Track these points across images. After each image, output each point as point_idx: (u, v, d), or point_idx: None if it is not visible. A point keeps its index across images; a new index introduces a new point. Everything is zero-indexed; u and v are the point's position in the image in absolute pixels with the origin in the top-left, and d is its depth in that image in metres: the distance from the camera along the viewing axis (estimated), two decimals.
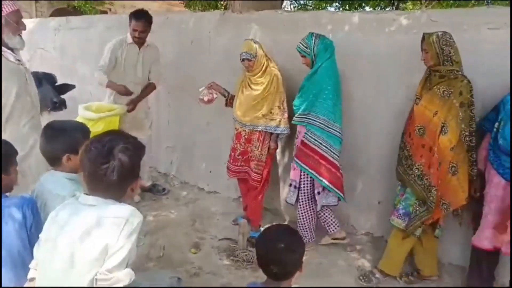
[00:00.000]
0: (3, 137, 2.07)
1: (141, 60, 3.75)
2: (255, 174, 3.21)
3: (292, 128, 3.16)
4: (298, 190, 3.08)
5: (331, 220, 3.16)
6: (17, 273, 1.67)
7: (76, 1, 11.84)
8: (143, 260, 2.95)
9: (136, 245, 1.53)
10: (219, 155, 3.97)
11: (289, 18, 3.61)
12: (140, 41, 3.69)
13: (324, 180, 2.93)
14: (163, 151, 4.69)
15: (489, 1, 8.19)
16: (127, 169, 1.48)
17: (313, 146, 2.90)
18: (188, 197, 4.18)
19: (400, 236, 2.67)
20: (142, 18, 3.60)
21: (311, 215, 3.12)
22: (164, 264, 2.97)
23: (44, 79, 3.93)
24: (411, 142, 2.58)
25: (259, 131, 3.15)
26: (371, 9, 9.56)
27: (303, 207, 3.09)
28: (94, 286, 1.42)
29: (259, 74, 3.08)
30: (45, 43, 5.86)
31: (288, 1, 11.94)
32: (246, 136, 3.21)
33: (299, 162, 2.97)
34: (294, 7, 12.28)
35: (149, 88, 3.85)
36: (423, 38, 2.46)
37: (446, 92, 2.35)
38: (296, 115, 3.00)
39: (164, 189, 4.24)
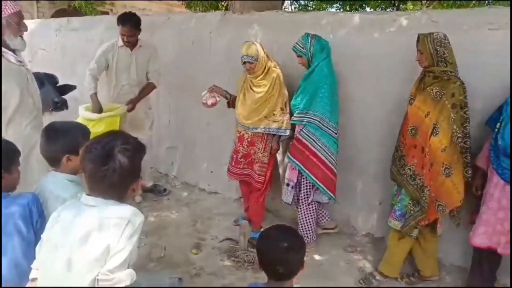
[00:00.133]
0: (5, 137, 2.07)
1: (134, 62, 3.73)
2: (258, 176, 3.20)
3: (292, 128, 3.16)
4: (298, 191, 3.09)
5: (321, 212, 3.23)
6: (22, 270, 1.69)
7: (77, 2, 11.85)
8: (144, 260, 2.95)
9: (137, 246, 1.54)
10: (220, 156, 3.98)
11: (289, 18, 3.62)
12: (130, 44, 3.67)
13: (314, 178, 2.95)
14: (164, 152, 4.70)
15: (490, 1, 8.18)
16: (128, 170, 1.48)
17: (305, 142, 2.92)
18: (189, 198, 4.18)
19: (397, 237, 2.67)
20: (128, 22, 3.56)
21: (312, 215, 3.13)
22: (165, 264, 2.97)
23: (45, 80, 3.94)
24: (404, 142, 2.60)
25: (262, 133, 3.15)
26: (371, 10, 9.56)
27: (304, 207, 3.10)
28: (96, 286, 1.42)
29: (261, 76, 3.06)
30: (47, 44, 5.87)
31: (289, 2, 11.95)
32: (249, 139, 3.20)
33: (292, 158, 2.98)
34: (294, 8, 12.29)
35: (148, 88, 3.83)
36: (418, 39, 2.46)
37: (438, 93, 2.36)
38: (294, 115, 3.01)
39: (165, 190, 4.24)
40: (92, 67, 3.67)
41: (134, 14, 3.68)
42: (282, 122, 3.10)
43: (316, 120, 2.87)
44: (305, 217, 3.12)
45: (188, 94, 4.28)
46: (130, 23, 3.56)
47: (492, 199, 2.41)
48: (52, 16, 11.35)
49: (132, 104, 3.64)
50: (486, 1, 8.30)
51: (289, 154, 3.02)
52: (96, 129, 2.84)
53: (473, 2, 8.25)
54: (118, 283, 1.43)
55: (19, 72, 2.60)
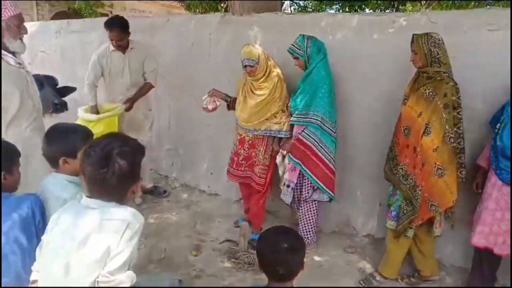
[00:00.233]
0: (5, 139, 2.08)
1: (128, 64, 3.72)
2: (259, 179, 3.19)
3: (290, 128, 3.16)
4: (299, 192, 3.09)
5: None
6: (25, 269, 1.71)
7: (76, 3, 11.86)
8: (144, 262, 2.95)
9: (137, 248, 1.54)
10: (220, 157, 3.98)
11: (289, 20, 3.62)
12: (121, 47, 3.67)
13: (314, 178, 2.97)
14: (163, 153, 4.70)
15: (490, 2, 8.18)
16: (127, 172, 1.48)
17: (308, 142, 2.93)
18: (189, 200, 4.18)
19: (394, 237, 2.68)
20: (114, 27, 3.54)
21: (313, 216, 3.13)
22: (165, 266, 2.97)
23: (45, 82, 3.95)
24: (397, 142, 2.61)
25: (263, 136, 3.14)
26: (371, 11, 9.58)
27: (305, 208, 3.10)
28: None
29: (263, 79, 3.04)
30: (46, 46, 5.87)
31: (288, 3, 11.98)
32: (250, 141, 3.19)
33: (294, 159, 2.98)
34: (294, 9, 12.32)
35: (145, 88, 3.82)
36: (413, 39, 2.47)
37: (431, 94, 2.36)
38: (294, 115, 3.00)
39: (165, 192, 4.24)
40: (88, 76, 3.70)
41: (121, 18, 3.68)
42: (283, 124, 3.10)
43: (317, 120, 2.88)
44: (306, 218, 3.12)
45: (188, 95, 4.29)
46: (117, 27, 3.55)
47: (490, 198, 2.42)
48: (52, 19, 11.36)
49: (130, 103, 3.64)
50: (486, 2, 8.30)
51: (290, 155, 3.02)
52: (95, 130, 2.85)
53: (472, 3, 8.26)
54: (118, 285, 1.43)
55: (19, 75, 2.60)
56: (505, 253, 2.38)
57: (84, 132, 1.99)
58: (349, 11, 9.78)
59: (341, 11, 10.59)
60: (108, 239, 1.42)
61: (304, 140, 2.94)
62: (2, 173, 1.79)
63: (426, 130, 2.36)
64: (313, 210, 3.12)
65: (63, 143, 1.88)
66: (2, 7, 2.47)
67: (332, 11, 10.96)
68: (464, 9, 7.64)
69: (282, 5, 8.46)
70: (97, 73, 3.72)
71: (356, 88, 3.20)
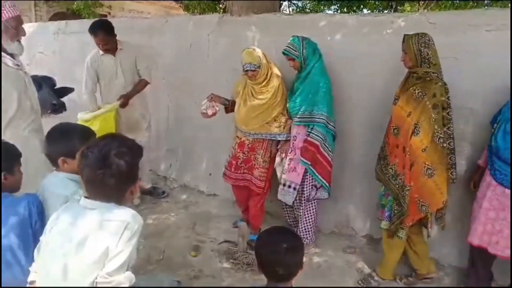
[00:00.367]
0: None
1: (120, 65, 3.71)
2: (260, 182, 3.17)
3: None
4: (301, 192, 3.08)
5: None
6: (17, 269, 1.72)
7: (75, 4, 11.86)
8: (143, 263, 2.94)
9: (136, 248, 1.54)
10: (219, 158, 3.98)
11: (287, 20, 3.63)
12: (110, 50, 3.66)
13: (320, 177, 2.99)
14: (162, 154, 4.69)
15: (489, 2, 8.20)
16: (125, 173, 1.48)
17: (316, 142, 2.93)
18: (188, 200, 4.18)
19: (387, 238, 2.69)
20: (98, 31, 3.53)
21: (312, 215, 3.13)
22: (164, 267, 2.97)
23: (43, 83, 3.96)
24: (388, 142, 2.62)
25: (263, 139, 3.13)
26: (369, 11, 9.60)
27: (306, 208, 3.10)
28: None
29: (264, 83, 3.02)
30: (45, 47, 5.87)
31: (287, 4, 11.99)
32: (249, 145, 3.17)
33: (304, 160, 2.96)
34: (292, 10, 12.33)
35: (140, 84, 3.82)
36: (404, 39, 2.48)
37: (420, 94, 2.37)
38: (298, 116, 2.99)
39: (163, 192, 4.24)
40: (86, 85, 3.71)
41: (104, 21, 3.67)
42: (283, 127, 3.10)
43: (323, 119, 2.90)
44: (306, 218, 3.12)
45: (186, 96, 4.29)
46: (101, 31, 3.53)
47: (484, 198, 2.44)
48: (50, 19, 11.36)
49: (124, 99, 3.63)
50: (485, 1, 8.32)
51: (303, 159, 2.97)
52: (93, 128, 2.86)
53: (470, 3, 8.28)
54: (117, 286, 1.43)
55: (17, 76, 2.60)
56: (499, 253, 2.39)
57: (84, 133, 1.98)
58: (347, 12, 9.80)
59: (339, 11, 10.61)
60: (107, 240, 1.42)
61: (313, 140, 2.94)
62: (3, 173, 1.79)
63: (415, 130, 2.37)
64: (313, 209, 3.12)
65: (62, 143, 1.88)
66: (1, 8, 2.47)
67: (331, 12, 10.98)
68: (462, 9, 7.67)
69: (280, 6, 8.47)
70: (94, 78, 3.72)
71: (354, 88, 3.19)
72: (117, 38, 3.71)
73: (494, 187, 2.38)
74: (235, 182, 3.30)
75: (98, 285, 1.41)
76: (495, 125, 2.44)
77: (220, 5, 9.88)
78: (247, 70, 2.96)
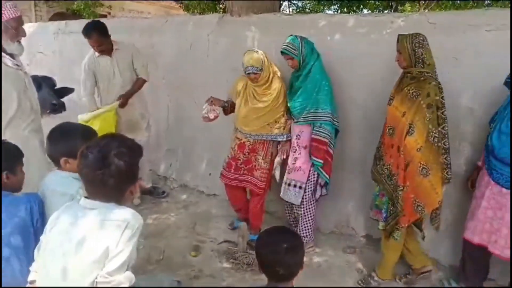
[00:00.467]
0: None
1: (117, 65, 3.70)
2: (261, 183, 3.17)
3: None
4: (304, 191, 3.07)
5: None
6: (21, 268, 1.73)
7: (75, 4, 11.87)
8: (143, 263, 2.95)
9: (136, 248, 1.54)
10: (219, 158, 3.97)
11: (287, 20, 3.63)
12: (105, 51, 3.64)
13: (325, 174, 3.00)
14: (162, 154, 4.70)
15: (489, 2, 8.20)
16: (124, 173, 1.48)
17: (325, 139, 2.93)
18: (188, 200, 4.18)
19: (385, 238, 2.71)
20: (91, 33, 3.51)
21: (313, 215, 3.13)
22: (164, 267, 2.97)
23: (43, 83, 3.94)
24: (383, 142, 2.63)
25: (264, 140, 3.13)
26: (369, 11, 9.60)
27: (307, 208, 3.10)
28: None
29: (266, 85, 3.00)
30: (45, 47, 5.87)
31: (287, 4, 11.99)
32: (250, 146, 3.15)
33: (316, 159, 2.95)
34: (292, 10, 12.33)
35: (138, 83, 3.82)
36: (398, 40, 2.48)
37: (414, 94, 2.37)
38: (302, 116, 2.97)
39: (163, 192, 4.24)
40: (85, 87, 3.71)
41: (97, 23, 3.64)
42: (283, 128, 3.09)
43: (329, 117, 2.91)
44: (306, 216, 3.12)
45: (186, 96, 4.29)
46: (95, 33, 3.52)
47: (482, 197, 2.45)
48: (50, 19, 11.36)
49: (123, 99, 3.64)
50: (485, 1, 8.31)
51: (316, 158, 2.95)
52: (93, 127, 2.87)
53: (471, 3, 8.28)
54: (117, 285, 1.43)
55: (17, 76, 2.60)
56: (497, 251, 2.40)
57: (86, 132, 1.98)
58: (347, 12, 9.80)
59: (339, 11, 10.61)
60: (107, 240, 1.42)
61: (323, 138, 2.93)
62: (5, 172, 1.80)
63: (410, 130, 2.37)
64: (313, 208, 3.12)
65: (64, 143, 1.88)
66: (2, 8, 2.47)
67: (330, 12, 10.98)
68: (462, 9, 7.67)
69: (280, 6, 8.47)
70: (92, 80, 3.72)
71: (354, 89, 3.20)
72: (114, 38, 3.71)
73: (492, 186, 2.39)
74: (233, 182, 3.27)
75: (98, 285, 1.41)
76: (492, 124, 2.46)
77: (220, 5, 9.88)
78: (249, 73, 2.93)
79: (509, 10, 2.68)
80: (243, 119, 3.11)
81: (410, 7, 10.90)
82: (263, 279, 1.68)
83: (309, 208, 3.11)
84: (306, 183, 3.04)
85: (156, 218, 3.73)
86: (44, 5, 12.72)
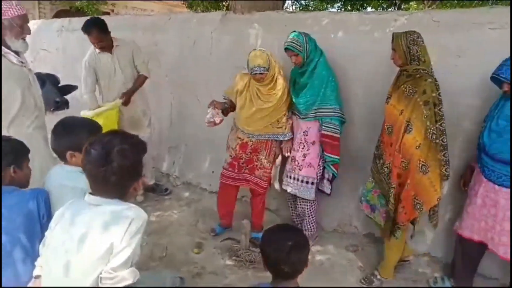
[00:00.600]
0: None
1: (117, 62, 3.70)
2: (263, 182, 3.17)
3: None
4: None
5: None
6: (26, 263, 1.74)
7: (78, 3, 11.88)
8: (146, 260, 2.96)
9: (140, 245, 1.54)
10: (222, 156, 3.96)
11: (290, 18, 3.62)
12: (106, 48, 3.64)
13: (334, 170, 3.00)
14: (165, 152, 4.71)
15: (494, 0, 8.15)
16: (127, 169, 1.49)
17: (336, 135, 2.94)
18: (191, 197, 4.19)
19: (385, 238, 2.71)
20: (91, 29, 3.50)
21: (315, 209, 3.16)
22: (167, 264, 2.98)
23: (47, 80, 3.97)
24: (382, 141, 2.63)
25: (266, 140, 3.12)
26: (372, 9, 9.56)
27: (314, 202, 3.11)
28: (99, 284, 1.43)
29: (271, 85, 2.96)
30: (48, 44, 5.89)
31: (290, 2, 11.96)
32: (252, 146, 3.13)
33: (332, 156, 2.95)
34: (295, 8, 12.30)
35: (139, 80, 3.81)
36: (392, 38, 2.48)
37: (411, 91, 2.37)
38: (311, 112, 2.95)
39: (166, 189, 4.25)
40: (86, 84, 3.70)
41: (96, 19, 3.63)
42: (285, 127, 3.09)
43: (338, 112, 2.91)
44: (312, 214, 3.14)
45: (189, 93, 4.29)
46: (95, 29, 3.51)
47: (476, 194, 2.46)
48: (54, 17, 11.38)
49: (126, 97, 3.64)
50: (489, 1, 8.27)
51: (330, 155, 2.96)
52: None
53: (475, 1, 8.23)
54: (121, 281, 1.44)
55: (21, 73, 2.61)
56: (494, 249, 2.41)
57: (91, 126, 1.99)
58: (351, 10, 9.77)
59: (342, 9, 10.58)
60: (111, 236, 1.43)
61: (335, 134, 2.93)
62: (12, 167, 1.81)
63: (408, 128, 2.37)
64: (316, 203, 3.15)
65: (70, 137, 1.89)
66: (7, 6, 2.47)
67: (334, 10, 10.95)
68: (467, 7, 7.62)
69: (283, 4, 8.45)
70: (93, 77, 3.71)
71: (358, 87, 3.20)
72: (117, 36, 3.71)
73: (485, 183, 2.40)
74: (233, 182, 3.25)
75: (103, 281, 1.42)
76: (483, 124, 2.48)
77: (223, 3, 9.86)
78: (255, 73, 2.87)
79: None
80: (247, 119, 3.07)
81: (416, 5, 10.85)
82: (266, 276, 1.69)
83: (315, 202, 3.12)
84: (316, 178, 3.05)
85: (159, 215, 3.74)
86: (48, 3, 12.74)
